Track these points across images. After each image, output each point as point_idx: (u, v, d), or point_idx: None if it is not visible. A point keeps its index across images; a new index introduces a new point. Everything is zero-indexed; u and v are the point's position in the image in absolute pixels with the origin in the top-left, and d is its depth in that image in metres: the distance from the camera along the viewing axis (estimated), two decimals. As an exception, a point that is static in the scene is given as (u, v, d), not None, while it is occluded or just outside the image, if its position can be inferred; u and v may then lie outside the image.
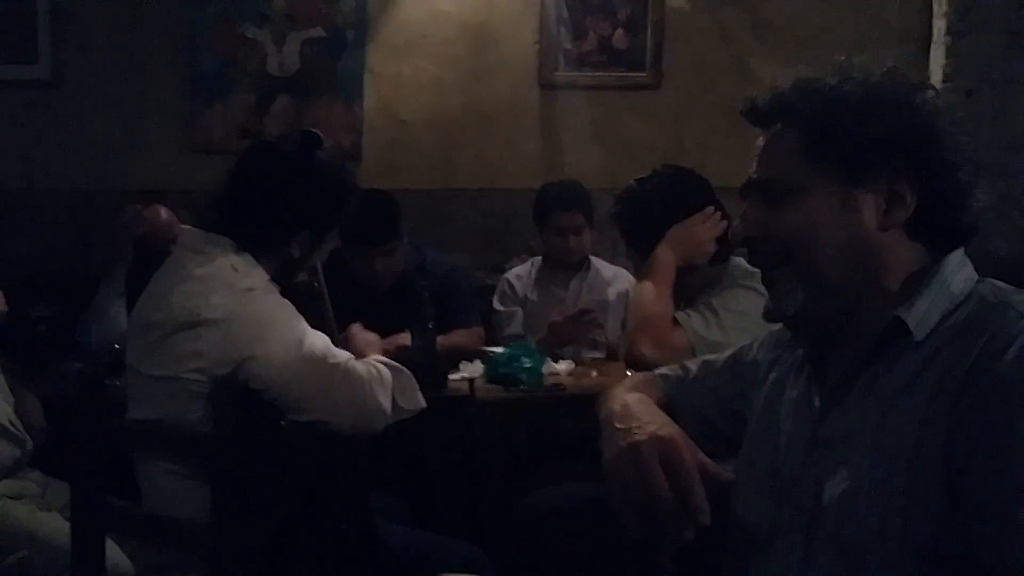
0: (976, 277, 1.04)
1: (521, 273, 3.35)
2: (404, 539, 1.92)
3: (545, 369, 2.66)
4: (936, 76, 3.73)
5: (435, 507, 2.39)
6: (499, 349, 2.76)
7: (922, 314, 0.99)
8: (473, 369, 2.71)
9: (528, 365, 2.61)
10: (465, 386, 2.59)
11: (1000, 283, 1.02)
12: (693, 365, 1.40)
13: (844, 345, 1.07)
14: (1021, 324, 0.92)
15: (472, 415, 2.49)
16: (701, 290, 2.11)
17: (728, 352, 1.39)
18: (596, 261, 3.31)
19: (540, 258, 3.35)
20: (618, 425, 1.15)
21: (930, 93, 1.06)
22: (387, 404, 1.80)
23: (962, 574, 0.87)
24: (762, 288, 2.03)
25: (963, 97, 3.62)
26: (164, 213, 3.25)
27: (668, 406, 1.33)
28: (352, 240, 2.79)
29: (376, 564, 1.84)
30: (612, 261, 3.34)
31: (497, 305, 3.30)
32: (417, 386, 1.89)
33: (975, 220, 1.05)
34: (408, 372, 1.88)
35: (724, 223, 2.13)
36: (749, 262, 1.14)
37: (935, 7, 3.83)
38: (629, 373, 2.64)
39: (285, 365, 1.70)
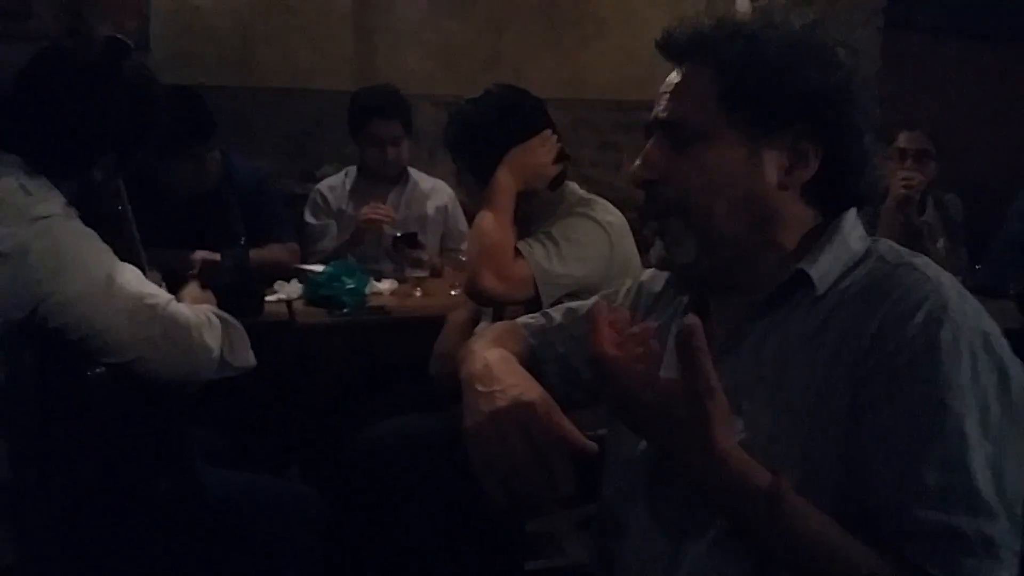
0: (868, 236, 1.05)
1: (335, 184, 3.15)
2: (229, 483, 1.78)
3: (368, 289, 2.54)
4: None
5: (257, 445, 2.25)
6: (318, 268, 2.60)
7: (824, 269, 1.00)
8: (291, 290, 2.55)
9: (350, 285, 2.48)
10: (283, 309, 2.43)
11: (893, 243, 1.03)
12: (557, 313, 1.35)
13: (737, 295, 1.06)
14: (927, 287, 0.93)
15: (292, 341, 2.35)
16: (538, 217, 2.06)
17: (592, 299, 1.34)
18: (415, 173, 3.18)
19: (355, 168, 3.17)
20: (480, 388, 1.06)
21: (847, 51, 1.03)
22: (216, 350, 1.64)
23: (856, 528, 0.87)
24: (596, 214, 2.06)
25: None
26: None
27: (531, 356, 1.29)
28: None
29: (200, 513, 1.71)
30: (430, 172, 3.23)
31: (309, 218, 3.10)
32: (248, 342, 1.73)
33: (871, 187, 1.06)
34: (239, 325, 1.72)
35: (560, 145, 2.08)
36: (643, 207, 1.07)
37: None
38: (453, 293, 2.62)
39: (93, 303, 1.52)
